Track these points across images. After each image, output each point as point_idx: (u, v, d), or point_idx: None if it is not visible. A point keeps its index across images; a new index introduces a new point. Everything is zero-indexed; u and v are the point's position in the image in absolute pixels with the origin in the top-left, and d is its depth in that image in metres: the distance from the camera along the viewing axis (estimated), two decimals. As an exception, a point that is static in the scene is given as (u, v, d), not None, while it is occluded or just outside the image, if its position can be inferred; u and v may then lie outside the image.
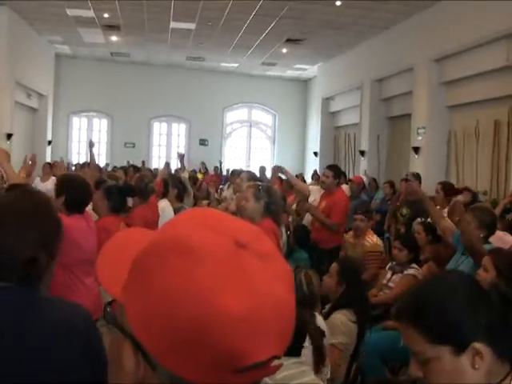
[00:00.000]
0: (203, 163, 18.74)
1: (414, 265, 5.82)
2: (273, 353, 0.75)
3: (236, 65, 20.52)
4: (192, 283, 0.73)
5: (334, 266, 4.61)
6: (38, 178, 11.50)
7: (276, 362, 0.78)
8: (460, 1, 11.22)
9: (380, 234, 7.56)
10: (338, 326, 4.17)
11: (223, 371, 0.74)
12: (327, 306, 4.56)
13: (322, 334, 3.49)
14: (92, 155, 8.64)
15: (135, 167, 12.75)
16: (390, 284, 5.88)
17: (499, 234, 5.39)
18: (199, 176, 15.29)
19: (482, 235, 4.54)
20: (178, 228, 0.81)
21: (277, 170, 7.85)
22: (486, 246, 4.39)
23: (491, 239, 4.72)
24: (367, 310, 4.57)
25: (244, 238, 0.79)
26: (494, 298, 1.48)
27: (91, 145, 8.52)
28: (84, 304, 3.71)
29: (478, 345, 1.42)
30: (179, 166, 10.60)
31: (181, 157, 10.90)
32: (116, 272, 0.82)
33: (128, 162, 15.77)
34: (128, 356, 0.78)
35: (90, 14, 14.10)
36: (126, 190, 5.63)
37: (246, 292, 0.74)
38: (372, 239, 6.57)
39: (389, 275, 5.96)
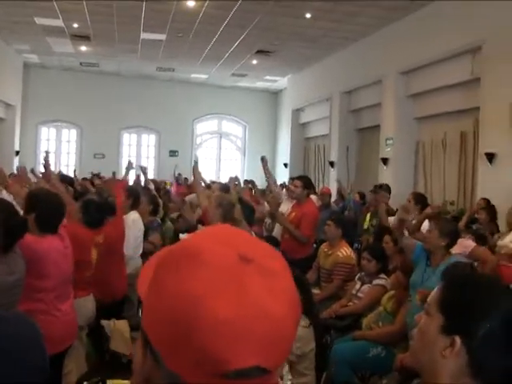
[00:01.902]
0: (180, 174, 18.57)
1: (383, 275, 5.86)
2: (255, 363, 0.77)
3: (206, 76, 20.53)
4: (187, 284, 0.79)
5: None
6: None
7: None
8: (427, 16, 11.41)
9: (351, 244, 7.59)
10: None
11: (207, 373, 0.77)
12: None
13: None
14: (47, 167, 7.84)
15: (100, 178, 12.73)
16: (359, 294, 5.91)
17: (460, 240, 5.48)
18: (167, 185, 15.23)
19: (443, 244, 4.60)
20: (192, 237, 0.90)
21: (265, 162, 7.93)
22: (451, 259, 4.46)
23: (455, 248, 4.79)
24: (317, 314, 4.62)
25: (251, 253, 0.83)
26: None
27: (46, 157, 8.02)
28: (55, 332, 3.63)
29: (458, 339, 1.42)
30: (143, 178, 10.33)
31: (143, 170, 10.58)
32: (146, 277, 0.89)
33: (91, 172, 15.64)
34: (138, 347, 0.86)
35: (59, 23, 13.99)
36: (105, 208, 5.45)
37: (237, 301, 0.77)
38: (346, 251, 6.52)
39: (358, 285, 6.00)
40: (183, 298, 0.78)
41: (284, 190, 9.80)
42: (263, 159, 7.95)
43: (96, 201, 5.30)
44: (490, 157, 9.49)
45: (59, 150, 21.57)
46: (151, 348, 0.82)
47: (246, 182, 15.38)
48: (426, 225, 6.37)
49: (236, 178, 8.06)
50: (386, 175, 12.70)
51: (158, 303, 0.82)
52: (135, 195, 6.91)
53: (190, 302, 0.77)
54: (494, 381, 1.43)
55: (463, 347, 1.42)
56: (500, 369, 1.41)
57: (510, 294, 1.56)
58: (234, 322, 0.76)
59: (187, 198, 10.31)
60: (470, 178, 10.88)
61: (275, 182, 9.62)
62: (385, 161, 13.07)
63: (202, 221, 7.04)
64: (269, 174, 8.19)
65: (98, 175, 14.33)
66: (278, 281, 0.83)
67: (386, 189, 8.35)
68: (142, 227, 6.91)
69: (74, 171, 14.17)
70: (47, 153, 8.21)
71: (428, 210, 5.94)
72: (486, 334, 1.40)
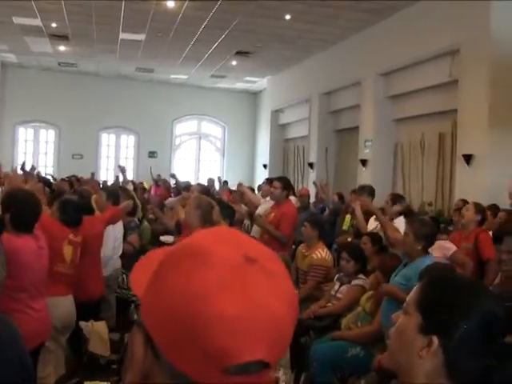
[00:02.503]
0: (159, 175, 18.40)
1: (361, 275, 5.88)
2: (260, 356, 0.80)
3: (186, 77, 20.49)
4: (194, 281, 0.80)
5: None
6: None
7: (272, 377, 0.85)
8: (407, 18, 11.49)
9: (329, 246, 7.61)
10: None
11: (212, 368, 0.79)
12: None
13: None
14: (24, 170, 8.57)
15: (78, 179, 12.67)
16: (338, 295, 5.93)
17: (440, 242, 5.53)
18: (145, 185, 15.15)
19: (419, 247, 4.63)
20: (196, 237, 0.90)
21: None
22: (426, 260, 4.48)
23: (431, 249, 4.81)
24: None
25: (255, 254, 0.85)
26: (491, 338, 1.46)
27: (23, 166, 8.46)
28: (33, 328, 3.67)
29: (435, 339, 1.43)
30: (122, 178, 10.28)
31: (122, 169, 10.53)
32: (142, 276, 0.90)
33: (74, 175, 15.50)
34: (138, 345, 0.86)
35: (38, 22, 13.87)
36: (83, 208, 5.46)
37: (242, 298, 0.80)
38: (321, 253, 6.51)
39: (336, 286, 6.02)
40: (190, 297, 0.79)
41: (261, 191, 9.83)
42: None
43: (73, 200, 5.30)
44: (468, 158, 9.58)
45: (37, 151, 21.39)
46: (152, 345, 0.83)
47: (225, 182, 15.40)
48: (401, 225, 6.46)
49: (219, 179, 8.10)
50: (364, 176, 12.75)
51: (162, 302, 0.83)
52: (115, 196, 6.87)
53: (198, 300, 0.79)
54: (469, 382, 1.44)
55: (440, 347, 1.42)
56: (475, 370, 1.42)
57: (489, 296, 1.57)
58: (240, 317, 0.79)
59: (167, 202, 10.27)
60: (447, 179, 10.97)
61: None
62: (364, 162, 13.14)
63: (180, 226, 7.02)
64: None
65: (76, 177, 14.22)
66: (279, 282, 0.86)
67: (369, 190, 8.37)
68: (121, 228, 6.89)
69: (52, 176, 14.09)
70: (24, 163, 8.42)
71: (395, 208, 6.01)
72: (463, 334, 1.41)
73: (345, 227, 8.68)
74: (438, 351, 1.42)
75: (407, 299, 1.54)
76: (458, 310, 1.45)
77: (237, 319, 0.78)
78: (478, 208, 6.32)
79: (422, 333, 1.45)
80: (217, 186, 13.74)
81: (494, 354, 1.43)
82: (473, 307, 1.46)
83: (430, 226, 4.87)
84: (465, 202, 8.23)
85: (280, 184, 7.21)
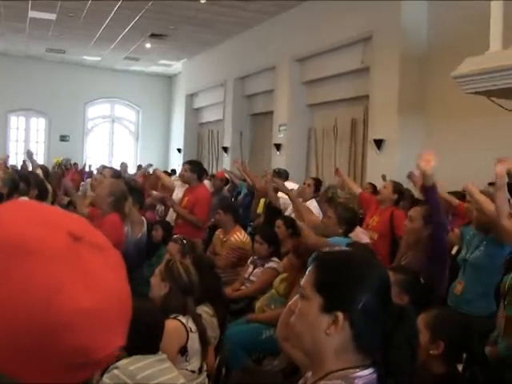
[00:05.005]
0: (68, 159, 17.94)
1: (275, 258, 5.93)
2: (120, 343, 0.75)
3: (98, 58, 20.04)
4: (29, 284, 0.69)
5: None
6: None
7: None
8: (322, 4, 11.60)
9: (244, 229, 7.65)
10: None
11: (72, 368, 0.71)
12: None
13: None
14: None
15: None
16: (252, 278, 5.97)
17: (358, 230, 5.65)
18: (56, 161, 14.74)
19: (340, 231, 4.77)
20: (7, 227, 0.75)
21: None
22: (345, 240, 4.62)
23: (350, 235, 4.98)
24: (225, 303, 4.64)
25: (78, 230, 0.76)
26: (393, 306, 1.53)
27: None
28: None
29: (340, 315, 1.45)
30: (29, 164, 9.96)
31: (29, 154, 10.20)
32: None
33: None
34: None
35: None
36: None
37: (87, 285, 0.71)
38: (239, 236, 6.57)
39: (250, 269, 6.04)
40: (26, 304, 0.68)
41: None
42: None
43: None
44: (379, 143, 9.82)
45: None
46: None
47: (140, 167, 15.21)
48: (313, 207, 6.59)
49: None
50: (279, 160, 12.86)
51: None
52: (26, 180, 6.68)
53: (36, 306, 0.68)
54: (374, 350, 1.49)
55: (346, 322, 1.46)
56: (378, 336, 1.48)
57: (377, 264, 1.66)
58: (95, 308, 0.71)
59: (81, 187, 10.06)
60: (359, 163, 11.22)
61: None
62: (278, 146, 13.25)
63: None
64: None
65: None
66: (109, 253, 0.79)
67: (285, 174, 8.65)
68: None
69: None
70: None
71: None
72: (364, 304, 1.46)
73: (259, 211, 8.73)
74: (345, 325, 1.46)
75: (302, 284, 1.56)
76: (355, 283, 1.49)
77: (90, 313, 0.70)
78: (397, 187, 6.42)
79: (326, 311, 1.48)
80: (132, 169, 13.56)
81: (391, 316, 1.50)
82: (367, 277, 1.52)
83: (352, 213, 5.04)
84: (372, 185, 8.49)
85: (190, 166, 7.21)
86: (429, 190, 4.24)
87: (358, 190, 6.85)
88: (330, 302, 1.48)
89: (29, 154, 10.04)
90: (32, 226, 0.74)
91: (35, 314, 0.68)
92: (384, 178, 8.33)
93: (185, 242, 5.28)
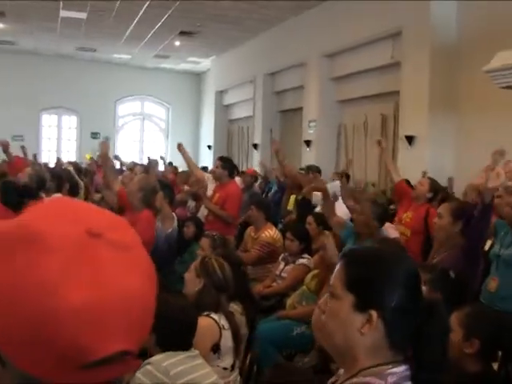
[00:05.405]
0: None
1: (306, 255, 5.93)
2: (121, 347, 0.73)
3: (129, 56, 20.16)
4: (32, 272, 0.70)
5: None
6: None
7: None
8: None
9: (275, 225, 7.66)
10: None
11: (68, 367, 0.71)
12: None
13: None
14: None
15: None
16: (283, 274, 5.97)
17: (386, 225, 5.62)
18: (87, 157, 14.87)
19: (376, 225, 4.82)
20: (27, 217, 0.78)
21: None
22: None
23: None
24: (254, 301, 4.64)
25: (99, 227, 0.76)
26: (424, 303, 1.52)
27: None
28: None
29: (374, 313, 1.45)
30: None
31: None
32: None
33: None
34: None
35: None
36: (25, 190, 5.34)
37: (92, 283, 0.71)
38: (270, 232, 6.58)
39: (281, 266, 6.05)
40: (31, 290, 0.69)
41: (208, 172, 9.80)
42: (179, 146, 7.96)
43: (15, 183, 5.21)
44: (410, 139, 9.74)
45: (-25, 132, 20.78)
46: None
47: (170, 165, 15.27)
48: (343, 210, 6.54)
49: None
50: (308, 157, 12.83)
51: None
52: (58, 177, 6.77)
53: (40, 294, 0.69)
54: (406, 346, 1.49)
55: (379, 320, 1.45)
56: (410, 331, 1.47)
57: (406, 257, 1.66)
58: (93, 306, 0.70)
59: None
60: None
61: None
62: (308, 143, 13.22)
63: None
64: (188, 159, 8.20)
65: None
66: (131, 253, 0.78)
67: (316, 170, 8.68)
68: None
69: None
70: None
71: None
72: (397, 300, 1.46)
73: (290, 207, 8.73)
74: (378, 323, 1.46)
75: (332, 282, 1.55)
76: (386, 279, 1.49)
77: (89, 310, 0.70)
78: (433, 185, 6.31)
79: (359, 310, 1.47)
80: (161, 166, 13.61)
81: (422, 311, 1.49)
82: (397, 273, 1.51)
83: (382, 208, 5.07)
84: (407, 180, 8.41)
85: (220, 162, 7.23)
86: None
87: (397, 177, 6.69)
88: (362, 301, 1.48)
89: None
90: (49, 218, 0.76)
91: (29, 303, 0.69)
92: (424, 174, 8.23)
93: (216, 237, 5.30)
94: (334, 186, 6.76)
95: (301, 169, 9.47)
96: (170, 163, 16.04)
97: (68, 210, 0.80)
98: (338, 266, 1.56)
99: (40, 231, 0.73)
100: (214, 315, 3.55)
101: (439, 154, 9.35)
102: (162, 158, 12.67)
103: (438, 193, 6.54)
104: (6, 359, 0.73)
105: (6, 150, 8.00)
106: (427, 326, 1.47)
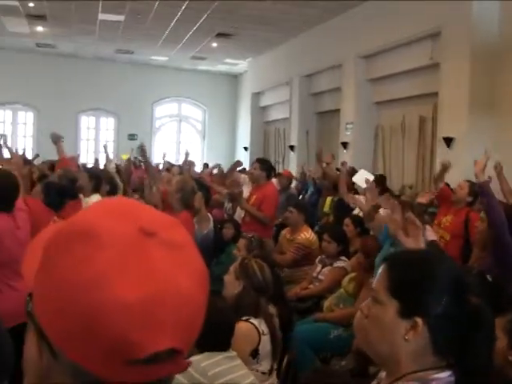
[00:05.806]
0: (136, 157, 18.13)
1: (343, 257, 5.90)
2: (169, 345, 0.73)
3: (166, 58, 20.31)
4: (89, 269, 0.72)
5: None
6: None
7: (190, 359, 0.77)
8: (387, 0, 11.44)
9: (311, 227, 7.64)
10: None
11: (117, 362, 0.72)
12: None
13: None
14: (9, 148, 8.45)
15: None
16: (320, 277, 5.95)
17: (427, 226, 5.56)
18: (123, 157, 15.00)
19: None
20: (83, 215, 0.81)
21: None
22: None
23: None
24: (287, 304, 4.62)
25: (153, 226, 0.77)
26: (467, 307, 1.49)
27: (5, 139, 8.30)
28: (9, 307, 3.65)
29: (419, 320, 1.43)
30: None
31: (105, 148, 10.57)
32: (34, 263, 0.81)
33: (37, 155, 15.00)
34: (32, 343, 0.79)
35: (14, 2, 13.60)
36: (65, 191, 5.41)
37: (144, 280, 0.72)
38: (305, 235, 6.56)
39: (319, 268, 6.03)
40: (84, 285, 0.71)
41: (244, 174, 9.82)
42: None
43: (57, 183, 5.28)
44: (449, 141, 9.61)
45: (15, 133, 21.11)
46: (48, 342, 0.75)
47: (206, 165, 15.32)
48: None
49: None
50: (345, 159, 12.73)
51: (52, 292, 0.74)
52: (97, 177, 6.81)
53: (92, 289, 0.71)
54: (450, 352, 1.46)
55: (425, 327, 1.43)
56: (457, 337, 1.45)
57: (450, 261, 1.64)
58: (144, 302, 0.72)
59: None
60: (428, 162, 11.02)
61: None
62: (345, 145, 13.15)
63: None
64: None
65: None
66: (183, 253, 0.79)
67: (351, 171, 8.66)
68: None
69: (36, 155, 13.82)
70: (2, 136, 8.19)
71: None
72: (443, 307, 1.44)
73: (326, 209, 8.71)
74: (424, 330, 1.44)
75: (374, 287, 1.53)
76: (432, 285, 1.46)
77: (138, 306, 0.71)
78: (473, 188, 6.15)
79: (404, 317, 1.45)
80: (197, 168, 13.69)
81: (468, 315, 1.45)
82: (443, 278, 1.48)
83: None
84: (447, 184, 8.29)
85: (258, 164, 7.24)
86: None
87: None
88: (407, 307, 1.46)
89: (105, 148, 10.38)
90: (105, 216, 0.78)
91: (83, 297, 0.71)
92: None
93: (253, 239, 5.31)
94: (363, 174, 6.76)
95: (337, 169, 9.44)
96: (206, 164, 16.09)
97: (123, 209, 0.82)
98: (380, 270, 1.55)
99: (96, 228, 0.75)
100: (253, 320, 3.54)
101: (478, 156, 9.17)
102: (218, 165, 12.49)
103: (478, 196, 6.43)
104: (58, 351, 0.75)
105: (56, 143, 8.11)
106: (475, 332, 1.44)
